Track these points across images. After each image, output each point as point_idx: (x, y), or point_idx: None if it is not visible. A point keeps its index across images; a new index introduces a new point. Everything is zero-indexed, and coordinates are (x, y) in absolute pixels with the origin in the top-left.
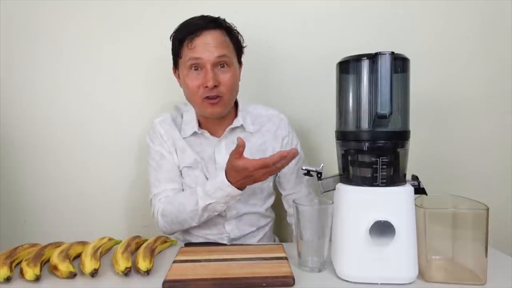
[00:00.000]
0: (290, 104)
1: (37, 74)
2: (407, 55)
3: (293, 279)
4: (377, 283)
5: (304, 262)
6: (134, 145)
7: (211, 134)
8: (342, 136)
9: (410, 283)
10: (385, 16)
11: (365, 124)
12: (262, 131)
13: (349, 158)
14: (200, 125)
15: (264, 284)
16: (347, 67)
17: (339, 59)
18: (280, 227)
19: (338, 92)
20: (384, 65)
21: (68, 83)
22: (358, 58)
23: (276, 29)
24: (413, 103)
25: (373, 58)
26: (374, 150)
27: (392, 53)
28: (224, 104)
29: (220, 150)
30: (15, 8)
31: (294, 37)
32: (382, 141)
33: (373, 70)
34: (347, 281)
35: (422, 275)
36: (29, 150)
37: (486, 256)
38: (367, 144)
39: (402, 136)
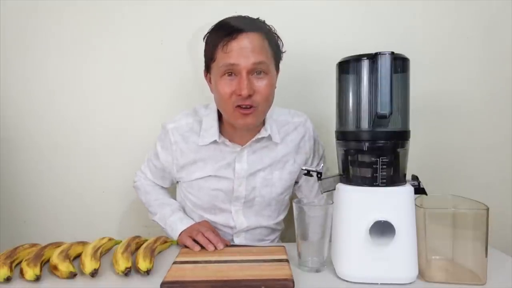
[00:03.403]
0: (290, 104)
1: (36, 74)
2: (407, 55)
3: (293, 282)
4: (377, 283)
5: (304, 262)
6: (134, 144)
7: (233, 141)
8: (342, 136)
9: (410, 283)
10: (385, 16)
11: (365, 124)
12: (286, 141)
13: (349, 158)
14: (221, 131)
15: (263, 287)
16: (347, 67)
17: (339, 59)
18: (289, 238)
19: (338, 92)
20: (384, 65)
21: (67, 83)
22: (358, 58)
23: (276, 29)
24: (413, 103)
25: (373, 58)
26: (374, 150)
27: (392, 53)
28: (257, 115)
29: (241, 159)
30: (14, 7)
31: (293, 37)
32: (382, 141)
33: (373, 70)
34: (347, 281)
35: (422, 275)
36: (29, 150)
37: (486, 256)
38: (367, 144)
39: (402, 136)
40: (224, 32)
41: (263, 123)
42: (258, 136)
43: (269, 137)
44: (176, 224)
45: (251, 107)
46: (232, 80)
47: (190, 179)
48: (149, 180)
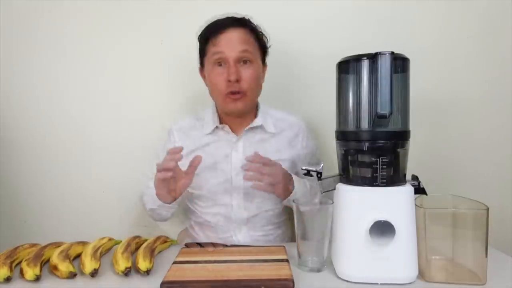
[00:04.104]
0: (290, 104)
1: (37, 74)
2: (407, 55)
3: (293, 282)
4: (377, 283)
5: (304, 262)
6: (134, 144)
7: (231, 130)
8: (342, 136)
9: (410, 283)
10: (385, 16)
11: (365, 124)
12: (281, 136)
13: (349, 158)
14: (221, 122)
15: (263, 287)
16: (347, 67)
17: (339, 59)
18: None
19: (338, 92)
20: (384, 65)
21: (68, 83)
22: (358, 58)
23: (276, 29)
24: (413, 103)
25: (373, 58)
26: (374, 150)
27: (392, 53)
28: (246, 101)
29: (237, 149)
30: (15, 7)
31: (293, 37)
32: (382, 141)
33: (373, 70)
34: (347, 281)
35: (422, 275)
36: (30, 150)
37: (486, 256)
38: (367, 144)
39: (402, 136)
40: (213, 28)
41: (256, 115)
42: (252, 125)
43: (263, 128)
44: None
45: (239, 92)
46: (223, 69)
47: None
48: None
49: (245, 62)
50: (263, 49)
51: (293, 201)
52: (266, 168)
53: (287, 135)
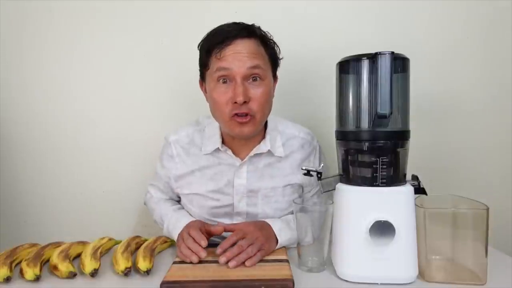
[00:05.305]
0: (290, 103)
1: (38, 74)
2: (407, 55)
3: (293, 282)
4: (377, 283)
5: (304, 262)
6: (134, 145)
7: (234, 153)
8: (342, 136)
9: (410, 283)
10: (386, 15)
11: (365, 124)
12: (290, 159)
13: (349, 158)
14: (223, 141)
15: (263, 287)
16: (347, 67)
17: (339, 59)
18: None
19: (338, 92)
20: (384, 65)
21: (68, 83)
22: (358, 58)
23: (276, 29)
24: (413, 103)
25: (373, 58)
26: (374, 150)
27: (392, 53)
28: (254, 124)
29: (240, 175)
30: (15, 7)
31: (294, 37)
32: (382, 141)
33: (373, 70)
34: (347, 281)
35: (422, 275)
36: (30, 150)
37: (486, 256)
38: (367, 144)
39: (402, 136)
40: (217, 39)
41: (263, 136)
42: (257, 151)
43: (270, 153)
44: (172, 236)
45: (247, 115)
46: (227, 87)
47: (189, 192)
48: (154, 193)
49: (254, 79)
50: (275, 62)
51: (294, 201)
52: (244, 241)
53: (298, 158)
